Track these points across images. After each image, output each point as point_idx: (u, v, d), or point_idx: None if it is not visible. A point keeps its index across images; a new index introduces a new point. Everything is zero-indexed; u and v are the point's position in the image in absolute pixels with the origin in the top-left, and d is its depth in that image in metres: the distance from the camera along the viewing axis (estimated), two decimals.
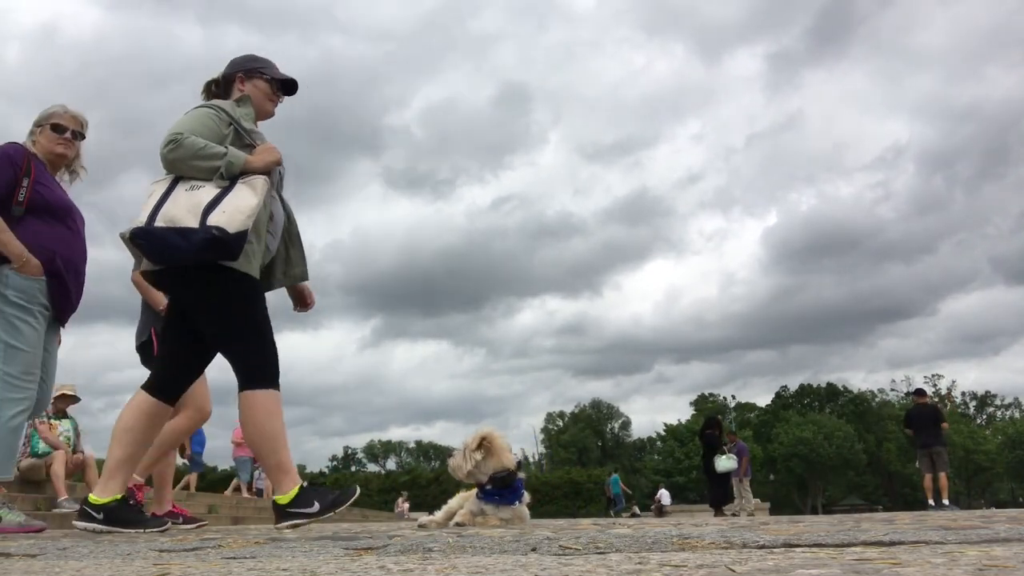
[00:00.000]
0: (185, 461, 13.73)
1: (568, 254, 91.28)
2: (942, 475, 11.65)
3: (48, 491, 7.07)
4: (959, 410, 70.63)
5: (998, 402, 73.38)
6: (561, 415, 74.85)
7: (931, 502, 11.50)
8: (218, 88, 3.16)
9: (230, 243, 2.68)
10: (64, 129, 3.50)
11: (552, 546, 1.76)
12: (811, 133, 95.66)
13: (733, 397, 73.63)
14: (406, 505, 26.00)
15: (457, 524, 3.02)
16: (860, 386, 69.81)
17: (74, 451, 7.28)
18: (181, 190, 2.80)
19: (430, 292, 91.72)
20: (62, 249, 3.36)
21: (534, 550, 1.72)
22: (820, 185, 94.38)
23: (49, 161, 3.48)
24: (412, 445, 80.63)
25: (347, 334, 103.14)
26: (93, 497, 2.80)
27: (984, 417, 73.17)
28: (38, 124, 3.52)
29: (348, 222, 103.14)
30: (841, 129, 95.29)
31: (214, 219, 2.68)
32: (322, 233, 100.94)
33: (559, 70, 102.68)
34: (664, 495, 27.85)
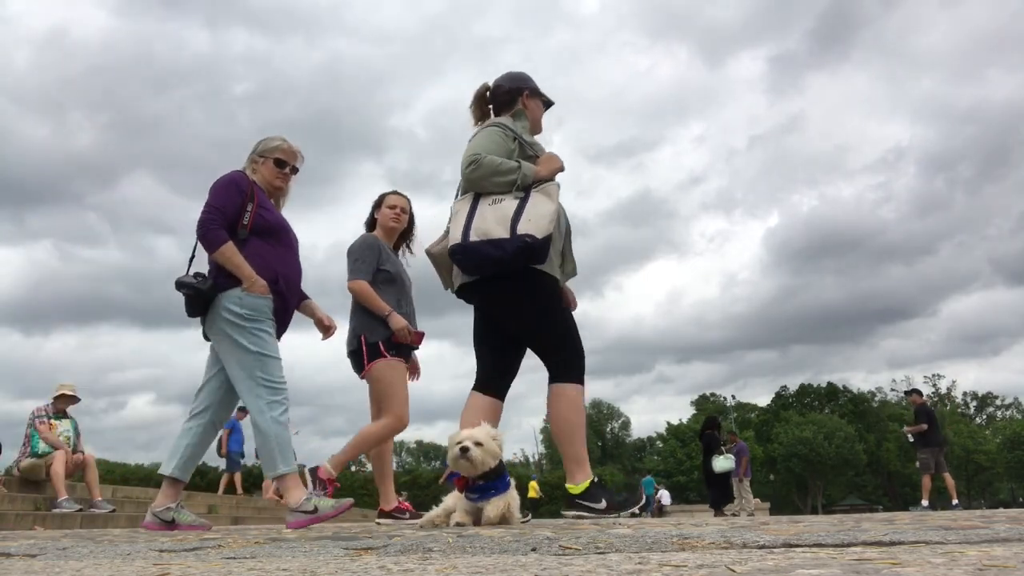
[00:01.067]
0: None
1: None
2: (947, 475, 11.64)
3: (48, 491, 7.07)
4: (959, 410, 70.62)
5: (998, 402, 73.36)
6: None
7: (926, 503, 11.49)
8: (491, 95, 3.44)
9: (540, 248, 2.96)
10: (285, 164, 3.69)
11: (552, 546, 1.76)
12: (813, 135, 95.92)
13: (733, 397, 73.69)
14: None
15: (458, 524, 3.02)
16: (860, 386, 69.87)
17: (74, 451, 7.28)
18: (485, 205, 3.06)
19: (432, 293, 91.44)
20: (283, 268, 3.56)
21: (534, 550, 1.72)
22: (821, 187, 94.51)
23: (266, 190, 3.65)
24: (412, 445, 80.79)
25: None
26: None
27: (984, 417, 73.15)
28: (260, 155, 3.67)
29: (351, 223, 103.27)
30: (843, 131, 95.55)
31: (523, 227, 2.94)
32: (325, 234, 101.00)
33: (563, 73, 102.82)
34: (664, 495, 27.85)
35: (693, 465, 52.27)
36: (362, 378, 4.27)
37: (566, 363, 3.14)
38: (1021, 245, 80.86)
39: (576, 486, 3.03)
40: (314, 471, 4.13)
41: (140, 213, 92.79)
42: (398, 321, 4.17)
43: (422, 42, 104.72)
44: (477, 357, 3.43)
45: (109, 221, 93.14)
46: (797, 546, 1.65)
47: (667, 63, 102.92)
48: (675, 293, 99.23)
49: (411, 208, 4.64)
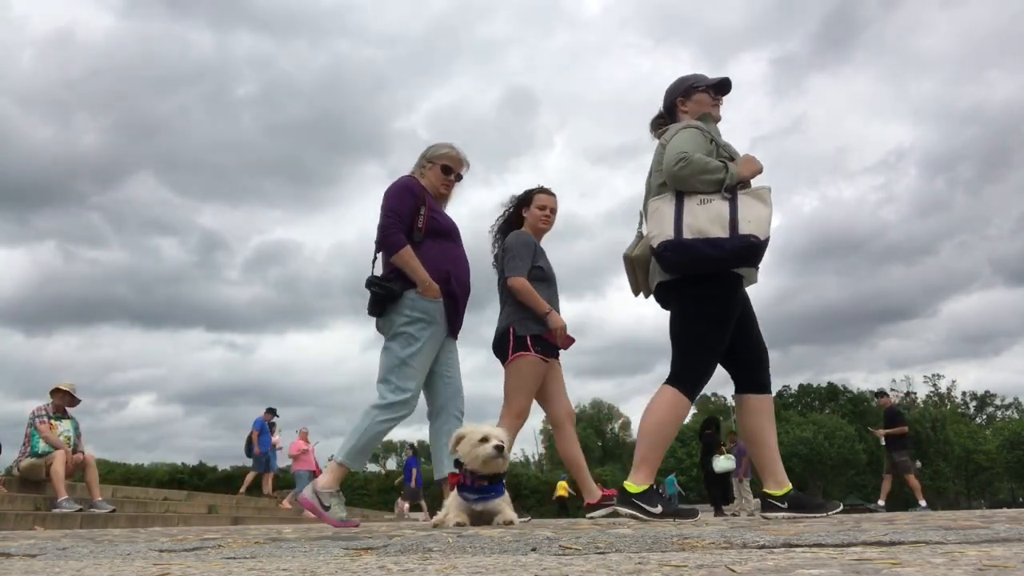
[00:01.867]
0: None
1: (573, 256, 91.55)
2: (911, 476, 11.70)
3: (48, 491, 7.07)
4: (959, 410, 70.60)
5: (998, 402, 73.36)
6: None
7: (923, 503, 11.53)
8: (664, 121, 3.47)
9: (762, 249, 3.01)
10: (451, 171, 3.81)
11: (552, 546, 1.76)
12: (815, 136, 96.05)
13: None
14: (406, 505, 25.98)
15: (458, 524, 3.01)
16: (861, 386, 69.90)
17: (75, 451, 7.27)
18: (693, 204, 3.06)
19: None
20: (455, 268, 3.69)
21: (534, 550, 1.72)
22: (823, 187, 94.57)
23: (432, 194, 3.77)
24: (414, 444, 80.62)
25: (351, 335, 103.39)
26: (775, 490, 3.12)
27: (984, 417, 73.14)
28: (429, 160, 3.81)
29: (354, 224, 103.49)
30: (844, 132, 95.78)
31: (744, 228, 2.97)
32: (328, 234, 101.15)
33: (565, 75, 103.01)
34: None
35: (692, 464, 52.27)
36: (506, 367, 4.27)
37: (687, 370, 3.16)
38: (1021, 246, 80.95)
39: (635, 486, 3.06)
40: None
41: (143, 214, 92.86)
42: (557, 320, 4.19)
43: (426, 45, 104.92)
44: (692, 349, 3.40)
45: (112, 222, 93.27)
46: (797, 546, 1.65)
47: (670, 65, 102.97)
48: None
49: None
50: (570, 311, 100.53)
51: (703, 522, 2.81)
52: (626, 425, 76.78)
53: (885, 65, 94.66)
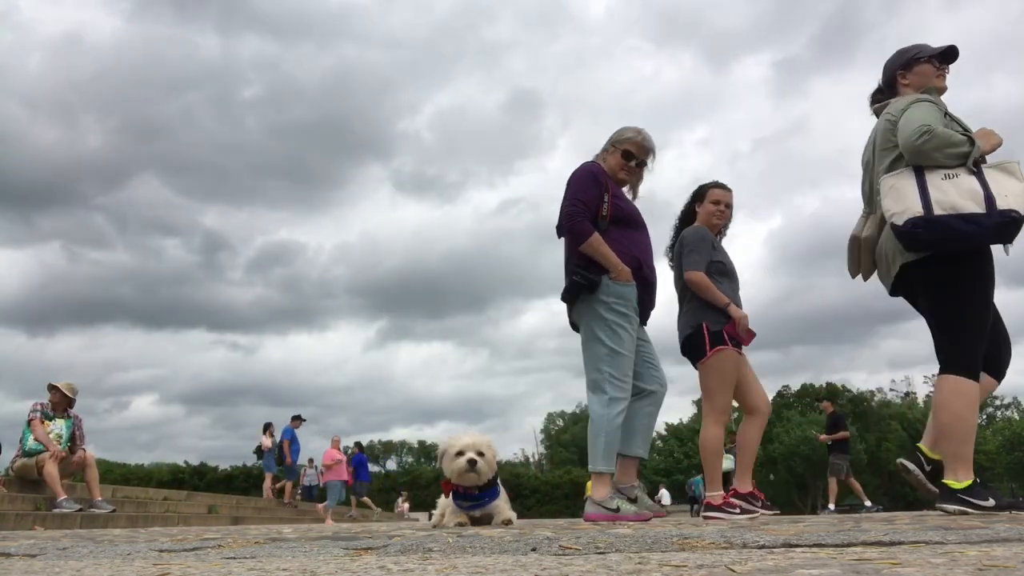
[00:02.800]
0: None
1: None
2: (853, 479, 12.06)
3: (48, 491, 7.06)
4: None
5: (998, 402, 73.36)
6: (561, 415, 74.90)
7: (832, 506, 11.80)
8: (883, 96, 3.37)
9: (1020, 225, 2.88)
10: (633, 157, 3.73)
11: (552, 546, 1.76)
12: (816, 138, 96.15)
13: None
14: (406, 505, 25.96)
15: (459, 524, 3.03)
16: (861, 387, 69.93)
17: (70, 451, 7.23)
18: (937, 179, 2.93)
19: (436, 294, 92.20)
20: (643, 254, 3.64)
21: (534, 550, 1.72)
22: (824, 189, 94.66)
23: (616, 178, 3.72)
24: (414, 445, 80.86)
25: (352, 335, 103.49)
26: (952, 483, 2.98)
27: (984, 417, 73.16)
28: (613, 144, 3.75)
29: (357, 225, 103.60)
30: (846, 134, 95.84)
31: (1003, 203, 2.85)
32: (331, 235, 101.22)
33: (569, 77, 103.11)
34: (664, 495, 27.84)
35: (692, 464, 52.27)
36: (697, 367, 4.19)
37: (961, 352, 3.02)
38: (1020, 247, 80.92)
39: (958, 482, 2.94)
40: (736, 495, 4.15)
41: (147, 215, 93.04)
42: (738, 313, 4.15)
43: (431, 47, 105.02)
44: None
45: (116, 223, 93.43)
46: (797, 546, 1.65)
47: (672, 68, 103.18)
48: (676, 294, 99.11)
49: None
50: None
51: (703, 522, 2.81)
52: None
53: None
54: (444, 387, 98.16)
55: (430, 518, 3.51)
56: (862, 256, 3.38)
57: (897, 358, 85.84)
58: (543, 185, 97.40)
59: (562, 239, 3.74)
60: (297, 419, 14.47)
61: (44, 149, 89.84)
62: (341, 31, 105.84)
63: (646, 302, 3.67)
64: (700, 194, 4.45)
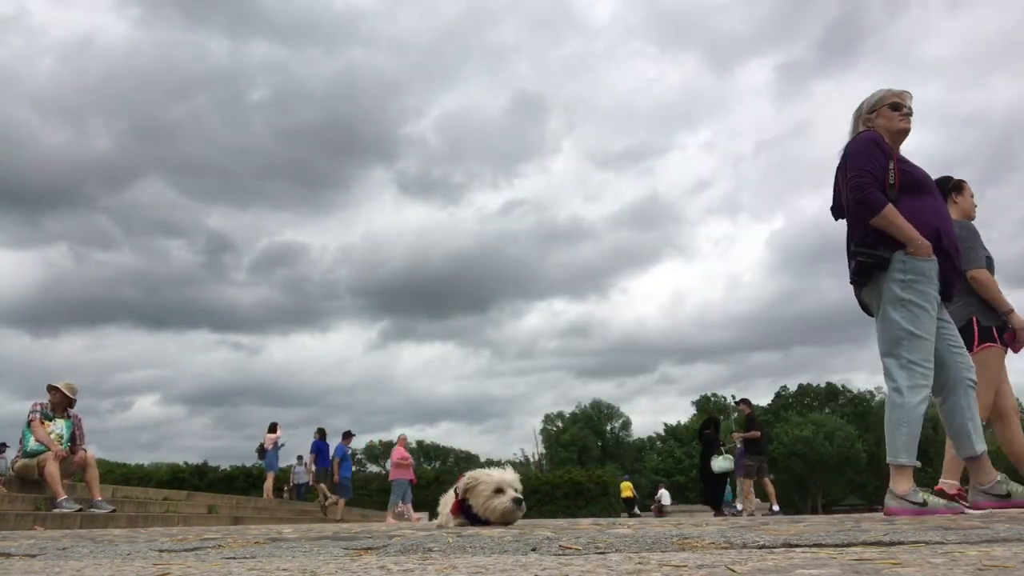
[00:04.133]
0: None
1: (578, 258, 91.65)
2: (767, 481, 12.16)
3: (48, 491, 7.05)
4: None
5: None
6: (560, 416, 74.95)
7: (740, 506, 11.89)
8: None
9: None
10: (901, 106, 3.49)
11: (552, 546, 1.76)
12: (819, 140, 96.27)
13: (733, 397, 73.67)
14: (408, 507, 25.95)
15: (460, 524, 3.02)
16: (861, 387, 69.96)
17: (70, 451, 7.23)
18: None
19: (438, 295, 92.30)
20: (943, 224, 3.33)
21: (534, 550, 1.72)
22: (826, 191, 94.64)
23: (892, 139, 3.45)
24: (413, 445, 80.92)
25: (354, 336, 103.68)
26: None
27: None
28: (872, 110, 3.51)
29: (360, 226, 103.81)
30: (847, 137, 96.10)
31: None
32: (335, 236, 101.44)
33: (573, 80, 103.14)
34: (664, 495, 27.83)
35: (692, 464, 52.31)
36: None
37: None
38: (1020, 248, 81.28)
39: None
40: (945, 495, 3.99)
41: (152, 216, 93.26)
42: (1020, 321, 4.03)
43: (436, 51, 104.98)
44: None
45: (122, 224, 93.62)
46: (797, 546, 1.65)
47: (676, 71, 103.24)
48: (679, 295, 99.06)
49: None
50: (573, 312, 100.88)
51: (703, 522, 2.81)
52: (626, 425, 76.86)
53: (889, 70, 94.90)
54: (445, 387, 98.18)
55: (431, 518, 3.49)
56: None
57: None
58: (546, 186, 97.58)
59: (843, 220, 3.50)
60: (348, 436, 14.41)
61: (52, 151, 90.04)
62: (348, 35, 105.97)
63: (948, 278, 3.35)
64: (958, 187, 4.39)
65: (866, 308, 3.49)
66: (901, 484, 3.19)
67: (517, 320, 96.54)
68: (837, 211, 3.54)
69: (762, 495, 12.55)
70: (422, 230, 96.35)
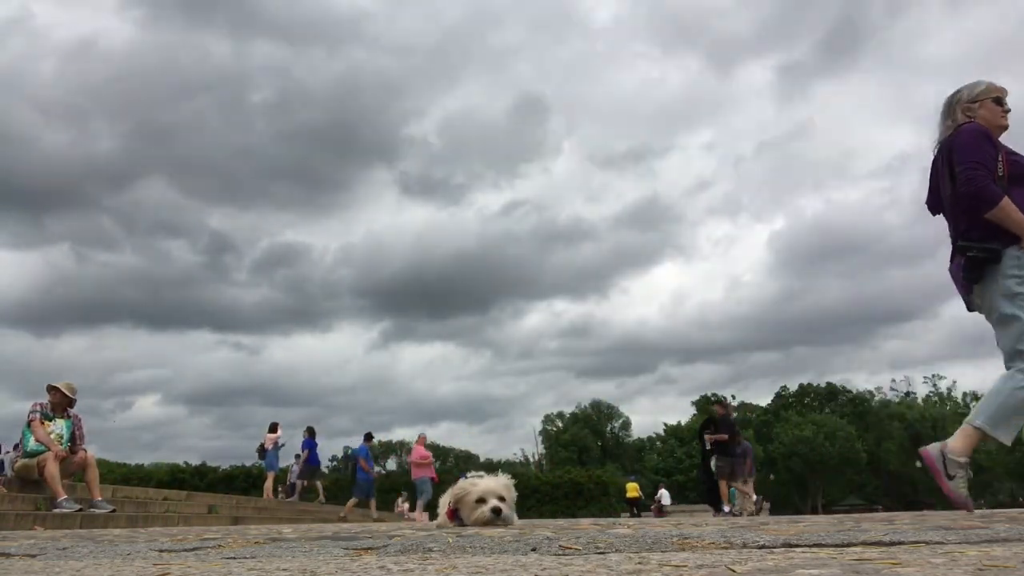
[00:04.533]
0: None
1: (578, 258, 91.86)
2: (739, 483, 12.22)
3: (48, 491, 7.06)
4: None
5: None
6: (560, 415, 74.97)
7: (727, 508, 12.00)
8: None
9: None
10: (1003, 102, 3.46)
11: (552, 546, 1.76)
12: (820, 141, 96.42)
13: (733, 397, 73.69)
14: (406, 505, 25.95)
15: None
16: (861, 387, 70.04)
17: (70, 451, 7.23)
18: None
19: (439, 295, 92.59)
20: None
21: (534, 550, 1.72)
22: (827, 191, 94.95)
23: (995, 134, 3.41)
24: (412, 445, 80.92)
25: (355, 336, 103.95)
26: None
27: None
28: (972, 101, 3.44)
29: (361, 227, 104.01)
30: (849, 137, 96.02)
31: None
32: (336, 236, 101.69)
33: (575, 82, 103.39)
34: (664, 495, 27.84)
35: (692, 464, 52.29)
36: None
37: None
38: None
39: None
40: None
41: (154, 217, 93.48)
42: None
43: (439, 52, 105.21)
44: None
45: (124, 224, 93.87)
46: (797, 546, 1.65)
47: (677, 72, 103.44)
48: (680, 295, 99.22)
49: None
50: (574, 312, 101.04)
51: (703, 522, 2.81)
52: (626, 425, 76.87)
53: (890, 72, 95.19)
54: (446, 388, 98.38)
55: (431, 519, 3.52)
56: None
57: (898, 359, 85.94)
58: (547, 187, 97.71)
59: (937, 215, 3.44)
60: (369, 437, 14.47)
61: (55, 152, 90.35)
62: (351, 37, 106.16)
63: None
64: None
65: (972, 306, 3.41)
66: (959, 444, 3.15)
67: (518, 320, 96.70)
68: (934, 206, 3.46)
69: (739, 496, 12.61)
70: (423, 230, 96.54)
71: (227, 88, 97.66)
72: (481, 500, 2.85)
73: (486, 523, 2.82)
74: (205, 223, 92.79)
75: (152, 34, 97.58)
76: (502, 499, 2.88)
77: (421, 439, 14.68)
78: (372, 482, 14.13)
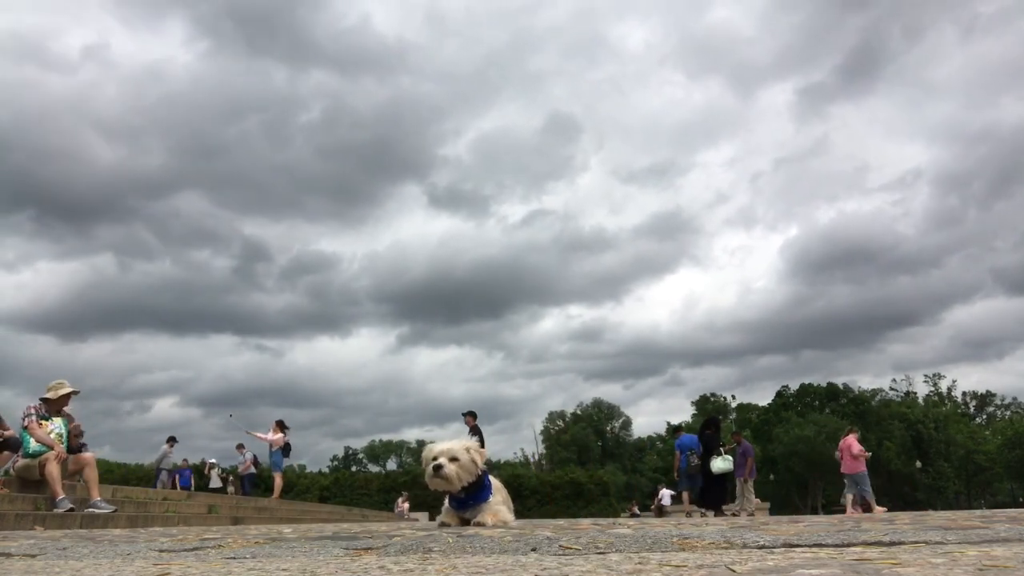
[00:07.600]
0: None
1: (598, 267, 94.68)
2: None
3: (48, 491, 7.05)
4: (959, 410, 70.62)
5: (998, 402, 73.45)
6: (562, 415, 74.96)
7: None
8: None
9: None
10: None
11: (552, 546, 1.76)
12: (836, 156, 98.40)
13: (733, 397, 73.66)
14: (406, 505, 25.93)
15: (442, 524, 3.14)
16: (861, 387, 70.19)
17: (68, 450, 7.24)
18: None
19: (457, 301, 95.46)
20: None
21: (534, 550, 1.72)
22: (841, 203, 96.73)
23: None
24: (413, 444, 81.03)
25: (373, 340, 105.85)
26: None
27: (984, 417, 73.21)
28: None
29: (388, 236, 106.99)
30: (865, 152, 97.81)
31: None
32: (360, 246, 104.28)
33: (604, 102, 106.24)
34: (665, 495, 27.82)
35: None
36: None
37: None
38: (1022, 258, 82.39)
39: None
40: None
41: (193, 228, 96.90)
42: None
43: (478, 77, 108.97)
44: None
45: (162, 235, 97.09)
46: (797, 546, 1.65)
47: (701, 93, 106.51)
48: (692, 301, 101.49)
49: None
50: (588, 317, 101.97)
51: (703, 522, 2.81)
52: (627, 424, 76.86)
53: (905, 93, 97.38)
54: (458, 389, 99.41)
55: (431, 518, 3.59)
56: None
57: (902, 362, 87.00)
58: (572, 199, 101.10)
59: None
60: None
61: (107, 168, 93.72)
62: (397, 65, 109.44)
63: None
64: None
65: None
66: None
67: (533, 325, 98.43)
68: None
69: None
70: (447, 239, 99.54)
71: (277, 110, 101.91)
72: (433, 459, 3.00)
73: (430, 479, 3.01)
74: (239, 232, 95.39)
75: (213, 62, 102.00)
76: (454, 459, 2.99)
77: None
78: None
